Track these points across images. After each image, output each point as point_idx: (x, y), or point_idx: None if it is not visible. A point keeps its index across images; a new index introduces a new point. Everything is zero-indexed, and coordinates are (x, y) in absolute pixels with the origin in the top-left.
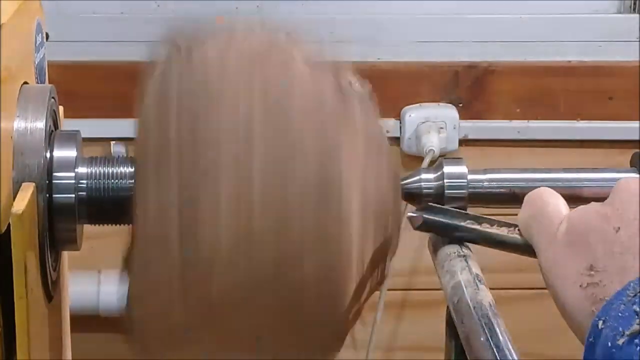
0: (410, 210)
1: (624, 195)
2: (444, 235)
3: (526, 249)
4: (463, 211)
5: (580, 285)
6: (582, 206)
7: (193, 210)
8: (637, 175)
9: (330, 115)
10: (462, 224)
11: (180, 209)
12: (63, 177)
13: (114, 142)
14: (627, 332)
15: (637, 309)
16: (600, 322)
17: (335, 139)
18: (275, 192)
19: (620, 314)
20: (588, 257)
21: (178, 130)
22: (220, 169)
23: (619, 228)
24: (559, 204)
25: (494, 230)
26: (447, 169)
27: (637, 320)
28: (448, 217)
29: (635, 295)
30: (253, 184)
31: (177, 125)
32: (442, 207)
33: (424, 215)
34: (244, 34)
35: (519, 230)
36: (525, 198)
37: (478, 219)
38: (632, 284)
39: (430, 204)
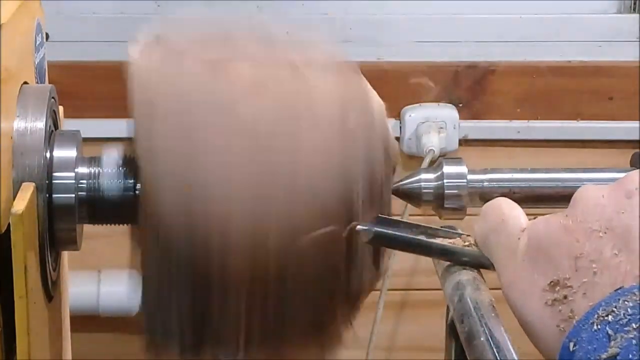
0: (361, 224)
1: (584, 203)
2: (397, 249)
3: (484, 263)
4: (416, 223)
5: (546, 303)
6: (542, 217)
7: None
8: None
9: None
10: (415, 237)
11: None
12: (63, 177)
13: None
14: (603, 356)
15: (610, 332)
16: (572, 344)
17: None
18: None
19: (593, 336)
20: (551, 272)
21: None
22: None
23: (582, 240)
24: (519, 216)
25: (449, 243)
26: (447, 169)
27: (612, 344)
28: (400, 230)
29: (607, 315)
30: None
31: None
32: (394, 219)
33: (375, 229)
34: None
35: (476, 243)
36: (482, 209)
37: (432, 232)
38: (603, 303)
39: (382, 216)
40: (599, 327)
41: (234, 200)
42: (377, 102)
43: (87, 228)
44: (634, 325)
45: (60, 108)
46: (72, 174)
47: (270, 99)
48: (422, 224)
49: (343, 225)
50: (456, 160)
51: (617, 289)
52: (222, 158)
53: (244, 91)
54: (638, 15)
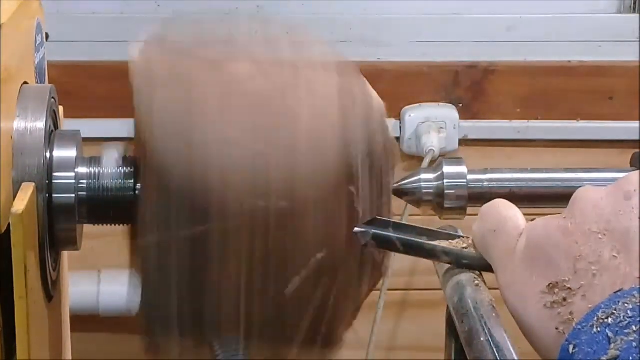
0: (358, 226)
1: (583, 205)
2: (394, 251)
3: (483, 265)
4: (414, 225)
5: (544, 305)
6: (540, 219)
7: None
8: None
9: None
10: (413, 239)
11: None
12: (63, 177)
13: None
14: (603, 359)
15: (610, 334)
16: (571, 347)
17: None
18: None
19: (593, 339)
20: (550, 274)
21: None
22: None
23: (580, 242)
24: (517, 217)
25: (447, 245)
26: (447, 169)
27: (612, 346)
28: (398, 232)
29: (607, 317)
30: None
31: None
32: (392, 220)
33: (373, 230)
34: (245, 50)
35: (474, 244)
36: (480, 211)
37: (430, 233)
38: (602, 306)
39: (379, 217)
40: (598, 329)
41: (233, 157)
42: (377, 102)
43: (87, 228)
44: (634, 327)
45: (60, 108)
46: (72, 174)
47: (269, 81)
48: (420, 226)
49: (343, 180)
50: (456, 160)
51: (617, 291)
52: (221, 116)
53: (244, 80)
54: (638, 15)
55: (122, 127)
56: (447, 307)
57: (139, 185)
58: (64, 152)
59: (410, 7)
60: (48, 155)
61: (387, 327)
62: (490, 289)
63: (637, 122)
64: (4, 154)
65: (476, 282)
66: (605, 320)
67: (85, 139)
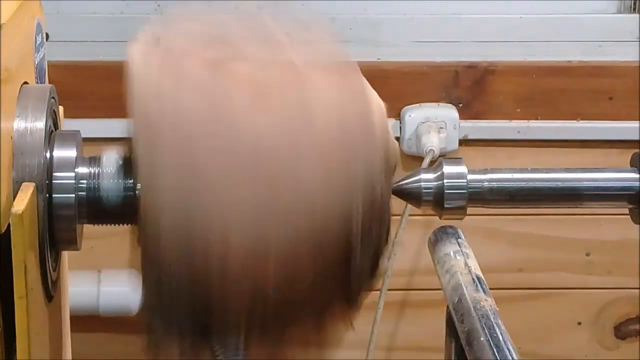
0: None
1: None
2: None
3: None
4: None
5: None
6: None
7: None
8: None
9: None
10: None
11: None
12: (63, 177)
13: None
14: None
15: None
16: None
17: None
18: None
19: None
20: None
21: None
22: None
23: None
24: None
25: None
26: (447, 169)
27: None
28: None
29: None
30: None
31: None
32: None
33: None
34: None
35: None
36: None
37: None
38: None
39: None
40: None
41: (233, 225)
42: (377, 102)
43: (87, 228)
44: None
45: (60, 108)
46: (72, 174)
47: (270, 113)
48: None
49: (343, 241)
50: (456, 160)
51: None
52: (222, 184)
53: (244, 104)
54: (638, 15)
55: (122, 127)
56: (447, 307)
57: (139, 186)
58: (64, 152)
59: (410, 7)
60: (48, 155)
61: (387, 327)
62: (490, 289)
63: (637, 122)
64: (4, 154)
65: (476, 282)
66: None
67: (85, 139)
